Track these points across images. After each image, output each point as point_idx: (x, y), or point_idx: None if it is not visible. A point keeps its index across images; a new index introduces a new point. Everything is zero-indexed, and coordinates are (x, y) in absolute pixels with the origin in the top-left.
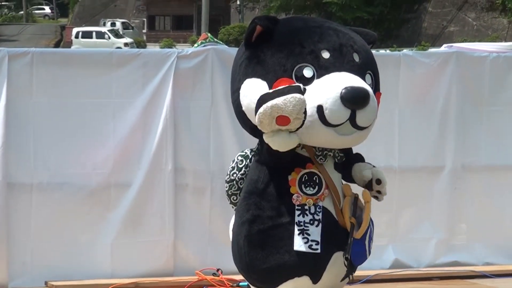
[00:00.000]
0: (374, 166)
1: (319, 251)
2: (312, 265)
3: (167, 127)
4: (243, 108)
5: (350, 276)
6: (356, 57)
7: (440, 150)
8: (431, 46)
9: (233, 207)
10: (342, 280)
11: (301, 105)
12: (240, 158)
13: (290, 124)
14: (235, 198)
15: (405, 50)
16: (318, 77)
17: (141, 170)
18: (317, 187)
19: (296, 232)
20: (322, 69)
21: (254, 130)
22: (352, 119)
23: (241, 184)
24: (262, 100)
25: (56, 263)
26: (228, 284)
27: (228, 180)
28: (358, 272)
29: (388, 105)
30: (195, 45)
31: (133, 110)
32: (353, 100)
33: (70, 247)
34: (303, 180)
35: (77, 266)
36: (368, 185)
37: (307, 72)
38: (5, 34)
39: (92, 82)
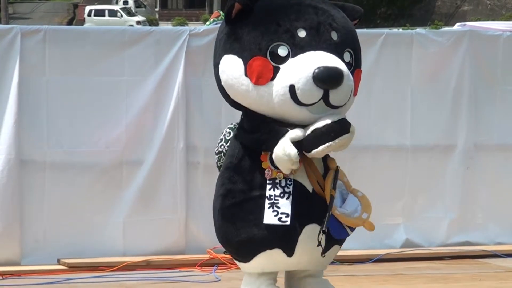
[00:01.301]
0: None
1: (288, 223)
2: (282, 238)
3: (179, 105)
4: (222, 83)
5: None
6: (334, 36)
7: (453, 129)
8: (444, 25)
9: None
10: (324, 253)
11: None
12: (228, 130)
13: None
14: None
15: (418, 29)
16: (293, 56)
17: (153, 148)
18: None
19: (267, 205)
20: (297, 48)
21: (234, 104)
22: (325, 99)
23: None
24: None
25: (68, 240)
26: None
27: (216, 152)
28: (369, 251)
29: (400, 84)
30: (207, 23)
31: (146, 88)
32: (326, 79)
33: (83, 225)
34: None
35: (89, 243)
36: None
37: (282, 51)
38: (18, 12)
39: (104, 60)
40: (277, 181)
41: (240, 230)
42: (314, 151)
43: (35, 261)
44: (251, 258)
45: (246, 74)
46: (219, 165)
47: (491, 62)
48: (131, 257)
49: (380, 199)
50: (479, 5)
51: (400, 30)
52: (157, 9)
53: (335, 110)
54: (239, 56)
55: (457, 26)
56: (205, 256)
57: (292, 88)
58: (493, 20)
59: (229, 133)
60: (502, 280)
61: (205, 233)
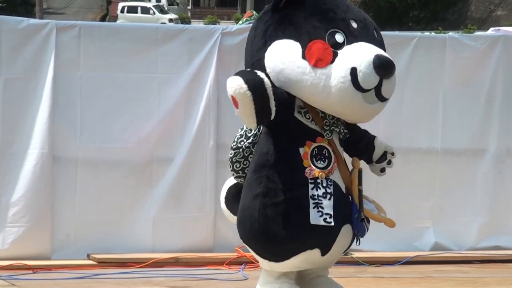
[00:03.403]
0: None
1: (333, 224)
2: (325, 238)
3: (210, 104)
4: (268, 71)
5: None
6: (375, 33)
7: (485, 134)
8: (477, 29)
9: (233, 174)
10: (344, 252)
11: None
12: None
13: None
14: (238, 166)
15: (451, 33)
16: (348, 43)
17: (183, 146)
18: (327, 160)
19: (311, 205)
20: (352, 37)
21: None
22: (378, 88)
23: (246, 153)
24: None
25: (98, 236)
26: None
27: (234, 147)
28: (397, 253)
29: (432, 87)
30: (240, 22)
31: (177, 86)
32: (384, 67)
33: (113, 220)
34: (313, 153)
35: (119, 239)
36: (381, 158)
37: (339, 37)
38: (53, 7)
39: (137, 57)
40: (318, 181)
41: (284, 230)
42: None
43: (66, 256)
44: (288, 258)
45: (303, 57)
46: (234, 160)
47: None
48: (159, 253)
49: (410, 202)
50: None
51: (433, 33)
52: (189, 7)
53: (382, 103)
54: (296, 40)
55: (491, 31)
56: (233, 254)
57: (353, 71)
58: None
59: (250, 130)
60: None
61: (233, 231)
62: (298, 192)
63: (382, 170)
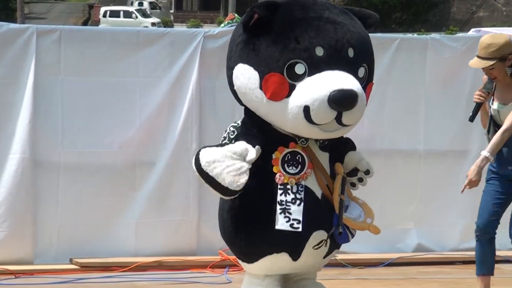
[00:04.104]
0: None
1: (300, 229)
2: (291, 243)
3: (192, 107)
4: (235, 88)
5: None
6: (350, 52)
7: (466, 135)
8: (459, 31)
9: None
10: (325, 257)
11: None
12: (232, 129)
13: None
14: None
15: (432, 34)
16: (310, 74)
17: (166, 150)
18: (299, 166)
19: (278, 211)
20: (315, 67)
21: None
22: (338, 118)
23: None
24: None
25: (81, 240)
26: None
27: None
28: (380, 255)
29: (414, 89)
30: (222, 25)
31: (160, 89)
32: (341, 103)
33: (96, 225)
34: (286, 159)
35: (102, 244)
36: (352, 173)
37: (299, 69)
38: (34, 12)
39: (119, 61)
40: (288, 186)
41: (250, 232)
42: None
43: (48, 261)
44: (256, 260)
45: (261, 88)
46: None
47: None
48: (143, 257)
49: (393, 204)
50: (494, 11)
51: (415, 35)
52: (172, 11)
53: (345, 128)
54: (255, 69)
55: (472, 32)
56: (216, 258)
57: (306, 109)
58: (509, 26)
59: (233, 131)
60: None
61: (217, 235)
62: (268, 196)
63: (353, 184)
